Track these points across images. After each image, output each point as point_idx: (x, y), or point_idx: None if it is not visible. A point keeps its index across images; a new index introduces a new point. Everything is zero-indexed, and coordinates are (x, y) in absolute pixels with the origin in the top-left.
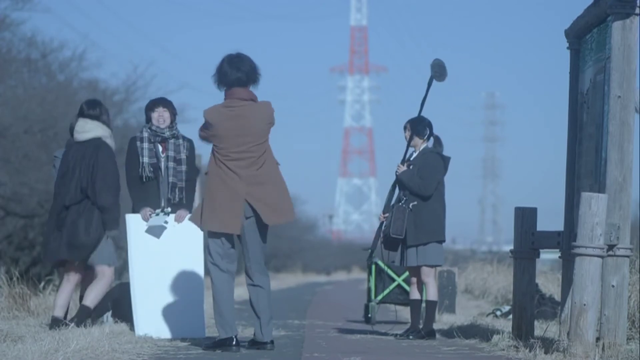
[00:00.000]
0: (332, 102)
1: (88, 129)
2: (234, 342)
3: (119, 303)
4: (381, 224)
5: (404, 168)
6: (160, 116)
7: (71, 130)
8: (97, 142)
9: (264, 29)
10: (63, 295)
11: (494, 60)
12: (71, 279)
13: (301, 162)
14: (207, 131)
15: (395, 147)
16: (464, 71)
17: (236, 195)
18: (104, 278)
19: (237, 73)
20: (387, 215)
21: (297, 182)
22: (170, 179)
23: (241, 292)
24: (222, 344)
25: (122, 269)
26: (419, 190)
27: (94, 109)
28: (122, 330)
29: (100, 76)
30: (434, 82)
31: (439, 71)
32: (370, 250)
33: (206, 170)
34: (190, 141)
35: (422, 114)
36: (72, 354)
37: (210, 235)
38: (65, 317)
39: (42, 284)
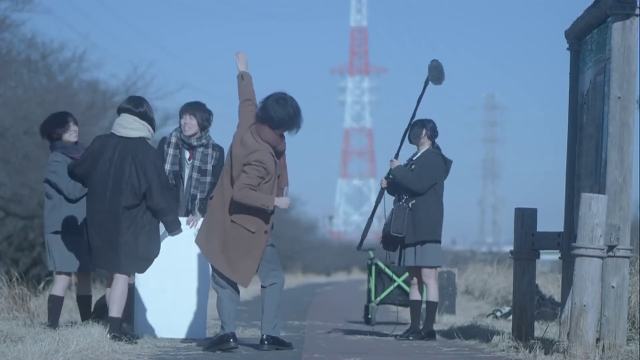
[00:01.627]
0: (332, 103)
1: (136, 127)
2: (231, 339)
3: None
4: (370, 217)
5: (398, 163)
6: (186, 124)
7: (52, 128)
8: (144, 142)
9: (264, 29)
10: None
11: (494, 61)
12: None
13: (301, 162)
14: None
15: (395, 148)
16: (464, 72)
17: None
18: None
19: (269, 114)
20: (388, 180)
21: (297, 183)
22: (192, 190)
23: (241, 293)
24: (220, 340)
25: None
26: (411, 185)
27: (141, 106)
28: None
29: (101, 77)
30: (431, 84)
31: (436, 75)
32: (360, 243)
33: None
34: (220, 149)
35: (419, 113)
36: (72, 354)
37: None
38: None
39: (42, 284)
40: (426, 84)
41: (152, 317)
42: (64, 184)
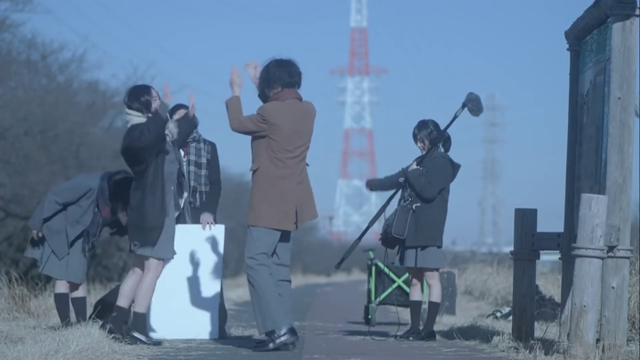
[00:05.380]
0: (332, 103)
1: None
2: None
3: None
4: (368, 227)
5: (415, 166)
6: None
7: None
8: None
9: (264, 30)
10: (131, 284)
11: (494, 62)
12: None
13: None
14: (261, 125)
15: (395, 148)
16: (464, 73)
17: (289, 192)
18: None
19: (293, 76)
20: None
21: None
22: (192, 183)
23: (241, 292)
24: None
25: (121, 270)
26: (421, 191)
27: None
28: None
29: (101, 77)
30: (468, 114)
31: (477, 106)
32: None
33: (254, 167)
34: (212, 144)
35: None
36: (72, 355)
37: (260, 233)
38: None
39: (41, 285)
40: (457, 115)
41: (165, 319)
42: (65, 191)
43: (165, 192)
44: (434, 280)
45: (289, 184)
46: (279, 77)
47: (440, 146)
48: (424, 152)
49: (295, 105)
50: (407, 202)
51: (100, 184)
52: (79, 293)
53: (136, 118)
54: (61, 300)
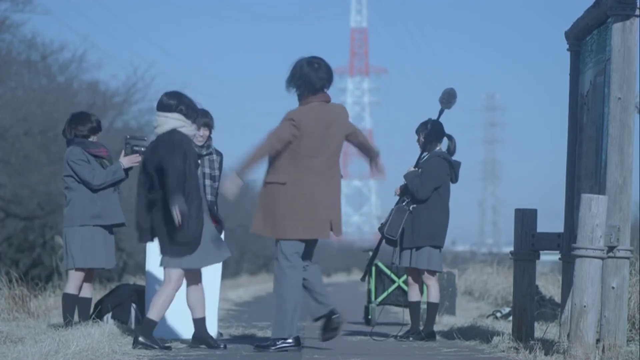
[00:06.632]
0: None
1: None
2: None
3: (119, 304)
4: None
5: (412, 169)
6: (201, 136)
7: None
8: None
9: (264, 31)
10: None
11: (494, 62)
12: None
13: None
14: (294, 131)
15: (396, 148)
16: (464, 73)
17: (319, 200)
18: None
19: (316, 82)
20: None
21: None
22: (209, 197)
23: (241, 292)
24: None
25: (121, 271)
26: (413, 192)
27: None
28: (123, 332)
29: (101, 78)
30: (445, 110)
31: (446, 98)
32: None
33: (282, 179)
34: (221, 155)
35: (432, 119)
36: (72, 355)
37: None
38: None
39: (41, 284)
40: (440, 113)
41: (165, 319)
42: (86, 172)
43: (202, 204)
44: (431, 281)
45: (319, 190)
46: (304, 82)
47: (443, 147)
48: (420, 150)
49: (321, 108)
50: (405, 202)
51: (77, 145)
52: (86, 294)
53: (174, 122)
54: (69, 301)
